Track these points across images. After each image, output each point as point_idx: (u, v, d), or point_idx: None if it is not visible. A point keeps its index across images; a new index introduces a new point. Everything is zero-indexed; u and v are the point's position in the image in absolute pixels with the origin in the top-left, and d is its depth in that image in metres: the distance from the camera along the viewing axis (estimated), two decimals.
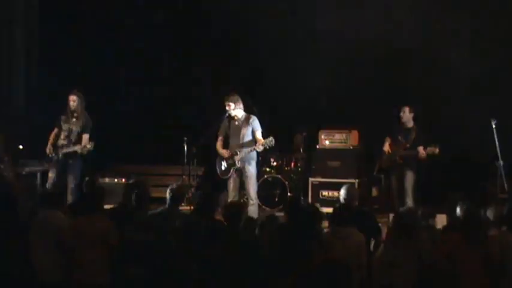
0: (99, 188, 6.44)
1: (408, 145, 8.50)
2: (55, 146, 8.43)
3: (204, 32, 11.37)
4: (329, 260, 2.84)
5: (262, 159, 9.81)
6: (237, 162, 7.96)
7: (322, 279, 2.78)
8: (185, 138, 10.09)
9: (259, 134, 8.02)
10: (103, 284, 5.23)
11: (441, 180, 9.23)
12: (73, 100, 8.40)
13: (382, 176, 9.52)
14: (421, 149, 8.31)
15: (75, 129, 8.42)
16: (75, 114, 8.43)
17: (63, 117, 8.50)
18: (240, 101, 8.13)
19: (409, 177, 8.50)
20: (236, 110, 8.05)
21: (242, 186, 8.16)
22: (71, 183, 8.31)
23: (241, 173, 8.03)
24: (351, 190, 6.36)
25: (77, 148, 8.28)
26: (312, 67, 10.62)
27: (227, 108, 8.05)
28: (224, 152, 8.06)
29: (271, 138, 7.97)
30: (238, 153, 7.95)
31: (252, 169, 8.07)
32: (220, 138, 8.19)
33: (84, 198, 6.17)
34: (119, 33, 11.32)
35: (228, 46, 11.23)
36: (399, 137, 8.60)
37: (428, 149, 8.27)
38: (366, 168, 9.57)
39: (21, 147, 9.97)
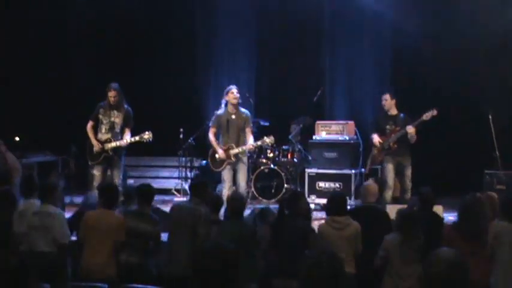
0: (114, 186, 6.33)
1: (398, 128, 8.26)
2: (99, 142, 7.96)
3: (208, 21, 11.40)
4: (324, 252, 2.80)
5: (259, 150, 9.81)
6: (231, 156, 7.99)
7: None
8: (181, 130, 10.12)
9: (249, 130, 8.11)
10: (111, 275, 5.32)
11: (435, 172, 9.23)
12: (113, 93, 7.94)
13: (379, 167, 9.49)
14: (409, 127, 8.08)
15: (118, 122, 8.00)
16: (116, 107, 7.99)
17: (101, 110, 8.04)
18: None
19: (408, 172, 8.37)
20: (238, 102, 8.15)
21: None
22: (117, 179, 7.96)
23: (234, 165, 8.07)
24: (369, 187, 6.31)
25: (123, 143, 7.92)
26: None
27: (234, 100, 8.05)
28: (220, 151, 8.04)
29: (271, 138, 8.07)
30: (234, 147, 7.99)
31: (244, 159, 8.15)
32: (213, 130, 8.18)
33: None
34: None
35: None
36: (387, 127, 8.39)
37: (426, 114, 8.04)
38: (363, 160, 9.57)
39: (17, 138, 9.97)
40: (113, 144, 7.92)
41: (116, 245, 5.39)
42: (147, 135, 7.91)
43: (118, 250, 5.43)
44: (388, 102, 8.40)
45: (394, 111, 8.43)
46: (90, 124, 8.09)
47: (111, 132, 7.99)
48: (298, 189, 8.92)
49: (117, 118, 8.02)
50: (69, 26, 11.51)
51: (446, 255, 2.90)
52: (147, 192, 5.87)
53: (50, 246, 5.42)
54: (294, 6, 10.63)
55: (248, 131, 8.12)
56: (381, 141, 8.36)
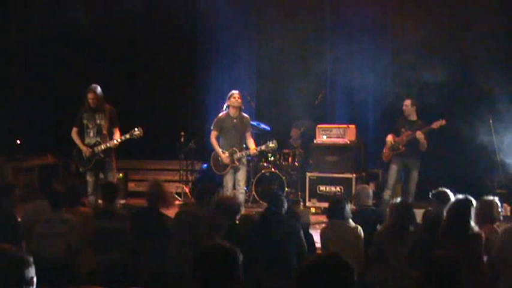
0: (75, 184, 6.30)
1: (410, 132, 8.35)
2: (88, 146, 7.83)
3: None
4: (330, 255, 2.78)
5: (260, 154, 9.80)
6: (235, 160, 8.08)
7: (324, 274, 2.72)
8: (182, 133, 10.13)
9: (249, 136, 8.26)
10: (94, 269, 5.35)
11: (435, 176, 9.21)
12: (92, 95, 7.79)
13: (380, 171, 9.51)
14: (418, 132, 8.18)
15: (104, 123, 7.86)
16: (98, 109, 7.85)
17: (84, 115, 7.90)
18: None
19: (415, 175, 8.40)
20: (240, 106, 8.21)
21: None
22: (113, 180, 7.80)
23: (236, 168, 8.19)
24: (364, 190, 6.32)
25: (113, 143, 7.79)
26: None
27: (237, 104, 8.13)
28: (224, 156, 8.10)
29: (275, 142, 8.14)
30: (237, 152, 8.10)
31: (244, 161, 8.28)
32: (215, 133, 8.22)
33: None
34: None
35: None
36: (402, 129, 8.48)
37: (435, 123, 8.12)
38: (363, 163, 9.57)
39: (18, 142, 9.97)
40: (103, 146, 7.81)
41: (89, 238, 5.41)
42: (137, 132, 7.78)
43: (92, 244, 5.43)
44: (409, 108, 8.51)
45: (413, 117, 8.54)
46: (75, 130, 7.94)
47: (100, 135, 7.88)
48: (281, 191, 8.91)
49: (102, 120, 7.89)
50: (69, 29, 11.52)
51: (443, 256, 2.92)
52: (110, 189, 5.83)
53: (60, 253, 5.39)
54: (294, 9, 10.64)
55: (249, 135, 8.27)
56: (392, 141, 8.46)
